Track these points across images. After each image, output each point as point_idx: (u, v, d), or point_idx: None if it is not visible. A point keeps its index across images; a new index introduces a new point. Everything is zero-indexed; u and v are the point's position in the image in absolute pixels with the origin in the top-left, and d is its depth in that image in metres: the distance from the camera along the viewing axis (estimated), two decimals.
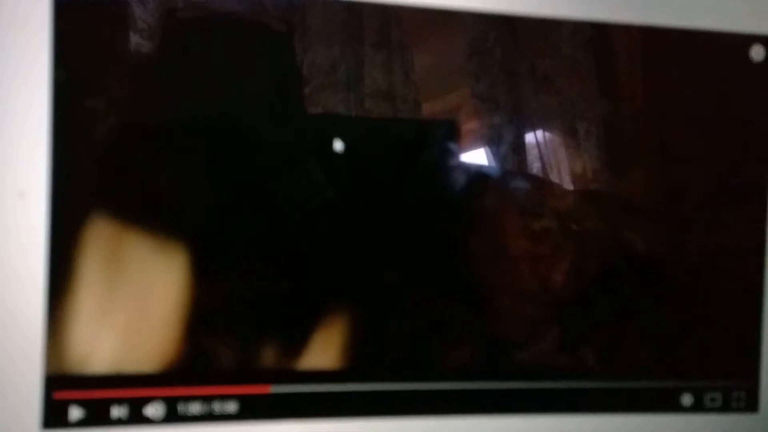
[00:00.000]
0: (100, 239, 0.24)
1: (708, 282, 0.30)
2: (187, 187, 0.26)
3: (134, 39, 0.25)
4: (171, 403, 0.25)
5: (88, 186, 0.25)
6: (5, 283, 0.24)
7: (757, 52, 0.29)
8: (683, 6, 0.29)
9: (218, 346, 0.26)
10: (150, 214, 0.25)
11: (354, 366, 0.27)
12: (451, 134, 0.28)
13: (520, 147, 0.29)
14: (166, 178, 0.25)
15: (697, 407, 0.30)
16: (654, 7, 0.28)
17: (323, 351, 0.26)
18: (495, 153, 0.28)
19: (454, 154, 0.28)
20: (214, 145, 0.26)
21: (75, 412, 0.25)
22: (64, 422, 0.25)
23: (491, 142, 0.28)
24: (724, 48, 0.29)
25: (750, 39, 0.29)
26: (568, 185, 0.29)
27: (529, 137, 0.29)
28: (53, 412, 0.24)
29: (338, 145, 0.26)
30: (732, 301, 0.30)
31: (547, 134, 0.29)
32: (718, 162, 0.30)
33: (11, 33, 0.24)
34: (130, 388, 0.25)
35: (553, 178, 0.29)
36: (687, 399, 0.30)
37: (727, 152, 0.30)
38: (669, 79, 0.29)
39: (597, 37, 0.29)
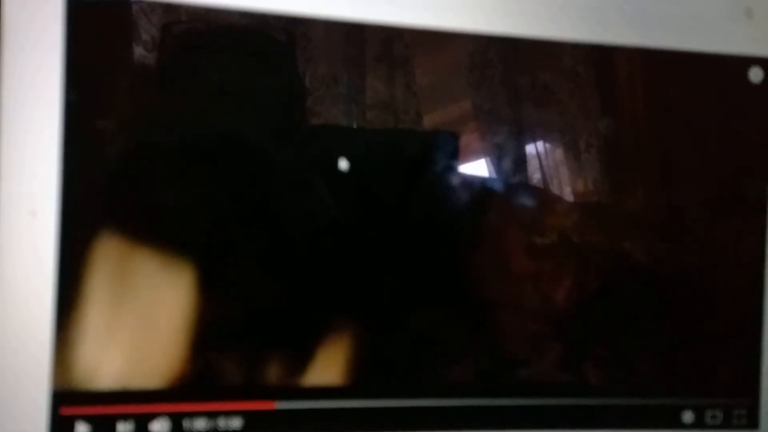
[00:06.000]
0: (109, 256, 0.25)
1: (709, 299, 0.30)
2: (194, 205, 0.26)
3: (143, 57, 0.26)
4: (176, 419, 0.26)
5: (98, 204, 0.25)
6: (15, 299, 0.24)
7: (755, 74, 0.30)
8: (684, 29, 0.29)
9: (224, 363, 0.26)
10: (157, 232, 0.25)
11: (358, 382, 0.27)
12: (452, 146, 0.28)
13: (520, 158, 0.29)
14: (173, 196, 0.26)
15: (698, 424, 0.30)
16: (655, 30, 0.29)
17: (328, 367, 0.27)
18: (496, 165, 0.29)
19: (456, 167, 0.28)
20: (220, 162, 0.26)
21: (81, 428, 0.25)
22: None
23: (492, 153, 0.29)
24: (724, 70, 0.29)
25: (749, 61, 0.30)
26: (569, 197, 0.29)
27: (530, 149, 0.29)
28: (60, 428, 0.25)
29: (343, 164, 0.27)
30: (733, 318, 0.30)
31: (548, 146, 0.29)
32: (718, 180, 0.30)
33: (24, 53, 0.24)
34: (136, 404, 0.25)
35: (554, 189, 0.29)
36: (688, 416, 0.30)
37: (727, 171, 0.30)
38: (669, 100, 0.30)
39: (598, 57, 0.29)
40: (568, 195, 0.30)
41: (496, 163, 0.29)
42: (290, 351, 0.27)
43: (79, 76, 0.24)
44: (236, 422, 0.26)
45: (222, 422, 0.26)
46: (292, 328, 0.27)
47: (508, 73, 0.29)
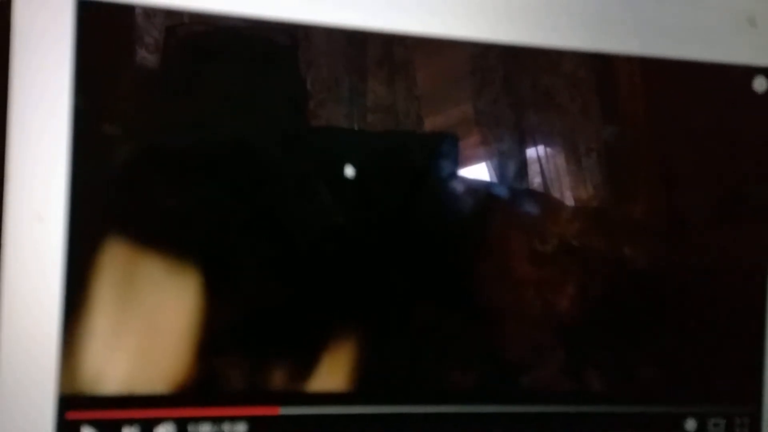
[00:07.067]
0: (115, 261, 0.25)
1: (711, 307, 0.30)
2: (199, 210, 0.26)
3: (150, 63, 0.26)
4: (181, 424, 0.26)
5: (104, 209, 0.25)
6: (22, 304, 0.24)
7: (759, 84, 0.30)
8: (687, 38, 0.29)
9: (228, 368, 0.26)
10: (163, 237, 0.25)
11: (362, 388, 0.27)
12: (454, 149, 0.28)
13: (521, 163, 0.29)
14: (178, 201, 0.26)
15: None
16: (658, 39, 0.29)
17: (332, 373, 0.27)
18: (497, 169, 0.29)
19: (457, 171, 0.28)
20: (225, 167, 0.26)
21: None
22: None
23: (493, 158, 0.29)
24: (728, 79, 0.30)
25: (753, 71, 0.30)
26: (570, 202, 0.30)
27: (531, 153, 0.29)
28: None
29: (349, 171, 0.27)
30: (736, 325, 0.30)
31: (549, 151, 0.29)
32: (721, 188, 0.30)
33: (33, 58, 0.24)
34: (141, 408, 0.25)
35: (555, 194, 0.30)
36: (691, 424, 0.30)
37: (730, 179, 0.30)
38: (673, 108, 0.30)
39: (600, 65, 0.29)
40: (569, 200, 0.30)
41: (497, 167, 0.29)
42: (295, 357, 0.27)
43: (88, 81, 0.24)
44: (241, 427, 0.26)
45: (227, 427, 0.26)
46: (297, 333, 0.27)
47: (510, 78, 0.29)
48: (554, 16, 0.28)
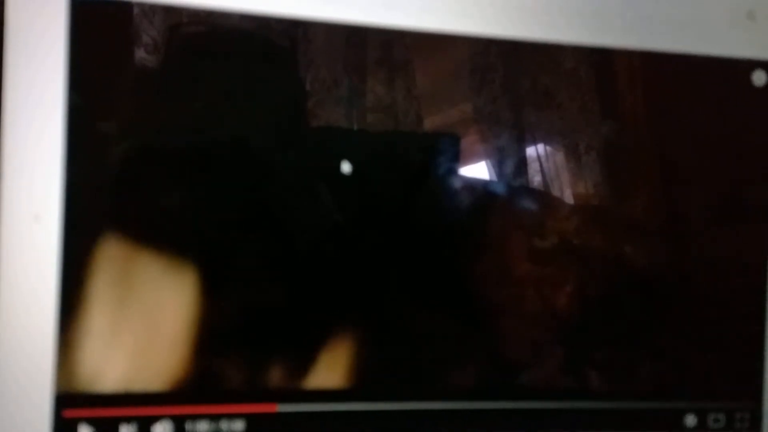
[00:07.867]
0: (112, 260, 0.25)
1: (712, 303, 0.30)
2: (197, 209, 0.26)
3: (146, 61, 0.26)
4: (179, 422, 0.26)
5: (101, 208, 0.25)
6: (19, 302, 0.24)
7: (758, 78, 0.30)
8: (686, 32, 0.29)
9: (226, 366, 0.26)
10: (160, 235, 0.25)
11: (360, 385, 0.27)
12: (454, 148, 0.28)
13: (521, 161, 0.29)
14: (175, 199, 0.26)
15: (701, 428, 0.30)
16: (657, 33, 0.29)
17: (330, 370, 0.27)
18: (497, 167, 0.29)
19: (457, 170, 0.28)
20: (223, 165, 0.26)
21: (84, 431, 0.25)
22: None
23: (493, 156, 0.29)
24: (727, 73, 0.29)
25: (752, 64, 0.30)
26: (570, 200, 0.29)
27: (531, 152, 0.29)
28: (63, 430, 0.25)
29: (346, 167, 0.27)
30: (735, 321, 0.30)
31: (549, 149, 0.29)
32: (721, 183, 0.30)
33: (27, 56, 0.24)
34: (139, 406, 0.25)
35: (555, 192, 0.29)
36: (691, 420, 0.30)
37: (730, 174, 0.30)
38: (672, 103, 0.30)
39: (599, 60, 0.29)
40: (568, 198, 0.30)
41: (497, 166, 0.29)
42: (292, 354, 0.27)
43: (83, 79, 0.24)
44: (238, 425, 0.26)
45: (224, 425, 0.26)
46: (295, 331, 0.27)
47: (509, 76, 0.29)
48: (552, 11, 0.28)
